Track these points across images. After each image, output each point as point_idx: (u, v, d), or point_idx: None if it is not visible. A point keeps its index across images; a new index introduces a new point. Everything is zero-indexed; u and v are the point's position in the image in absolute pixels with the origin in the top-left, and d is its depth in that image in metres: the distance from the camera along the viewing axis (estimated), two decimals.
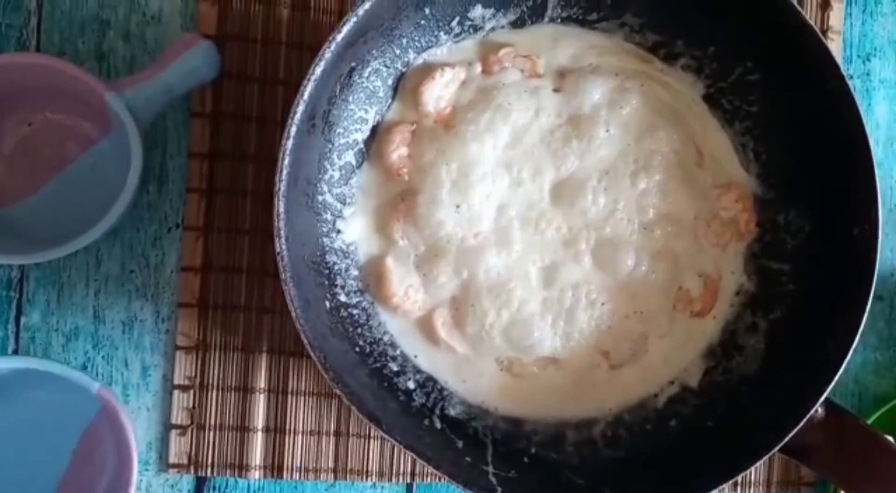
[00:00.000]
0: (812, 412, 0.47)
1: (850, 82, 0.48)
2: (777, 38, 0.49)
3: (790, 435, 0.47)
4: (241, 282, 0.55)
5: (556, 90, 0.53)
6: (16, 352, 0.54)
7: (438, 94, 0.52)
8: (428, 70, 0.52)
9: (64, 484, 0.52)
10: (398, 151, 0.52)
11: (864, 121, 0.48)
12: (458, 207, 0.51)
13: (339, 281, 0.51)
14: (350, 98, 0.50)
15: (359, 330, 0.51)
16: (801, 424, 0.47)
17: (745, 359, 0.53)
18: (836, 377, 0.47)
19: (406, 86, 0.53)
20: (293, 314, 0.44)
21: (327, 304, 0.49)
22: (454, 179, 0.52)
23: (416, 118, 0.53)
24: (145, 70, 0.51)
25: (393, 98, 0.53)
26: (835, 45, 0.62)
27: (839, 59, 0.62)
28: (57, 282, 0.55)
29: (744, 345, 0.53)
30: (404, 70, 0.53)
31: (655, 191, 0.53)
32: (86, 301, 0.55)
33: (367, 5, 0.44)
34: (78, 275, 0.55)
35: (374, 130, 0.53)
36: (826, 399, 0.47)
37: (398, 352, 0.52)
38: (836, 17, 0.62)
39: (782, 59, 0.50)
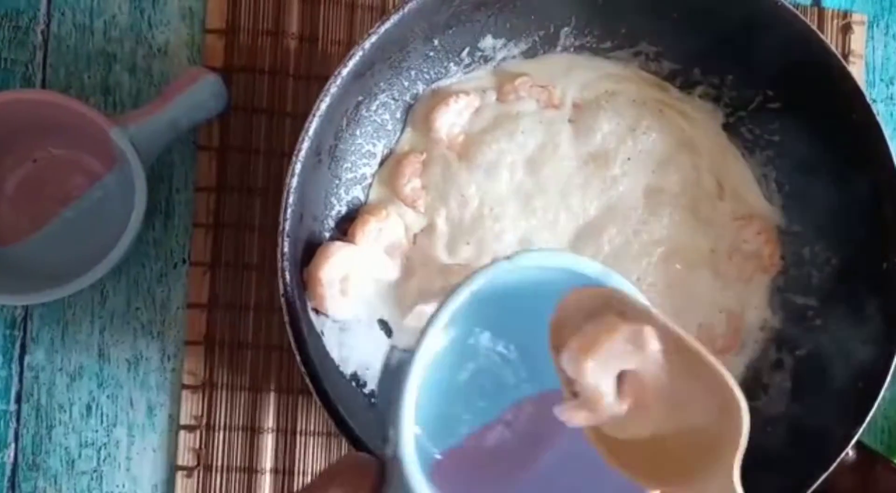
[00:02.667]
0: (843, 455, 0.45)
1: (873, 107, 0.46)
2: (798, 66, 0.48)
3: (820, 480, 0.44)
4: (248, 319, 0.54)
5: (571, 121, 0.52)
6: (19, 393, 0.53)
7: (452, 121, 0.51)
8: (441, 96, 0.51)
9: None
10: (411, 184, 0.51)
11: (891, 147, 0.46)
12: (467, 243, 0.50)
13: None
14: (357, 132, 0.49)
15: (369, 371, 0.49)
16: (832, 468, 0.44)
17: (771, 399, 0.51)
18: (868, 419, 0.45)
19: (417, 112, 0.52)
20: (297, 359, 0.42)
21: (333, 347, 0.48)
22: (468, 211, 0.50)
23: (426, 147, 0.51)
24: (150, 104, 0.50)
25: (402, 129, 0.52)
26: (857, 70, 0.60)
27: (862, 84, 0.60)
28: (61, 320, 0.54)
29: (769, 384, 0.51)
30: (413, 103, 0.52)
31: (675, 225, 0.51)
32: (90, 339, 0.54)
33: (373, 38, 0.43)
34: (83, 312, 0.54)
35: (383, 163, 0.52)
36: (857, 441, 0.45)
37: None
38: (857, 40, 0.60)
39: (804, 88, 0.48)
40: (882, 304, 0.46)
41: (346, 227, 0.50)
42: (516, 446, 0.37)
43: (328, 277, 0.45)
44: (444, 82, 0.52)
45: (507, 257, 0.33)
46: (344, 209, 0.50)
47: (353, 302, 0.48)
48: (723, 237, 0.52)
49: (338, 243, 0.47)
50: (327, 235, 0.49)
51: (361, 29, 0.56)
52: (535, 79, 0.52)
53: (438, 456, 0.36)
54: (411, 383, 0.32)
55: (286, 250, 0.42)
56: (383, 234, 0.49)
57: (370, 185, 0.51)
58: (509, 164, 0.51)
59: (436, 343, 0.34)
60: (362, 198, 0.51)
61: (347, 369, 0.48)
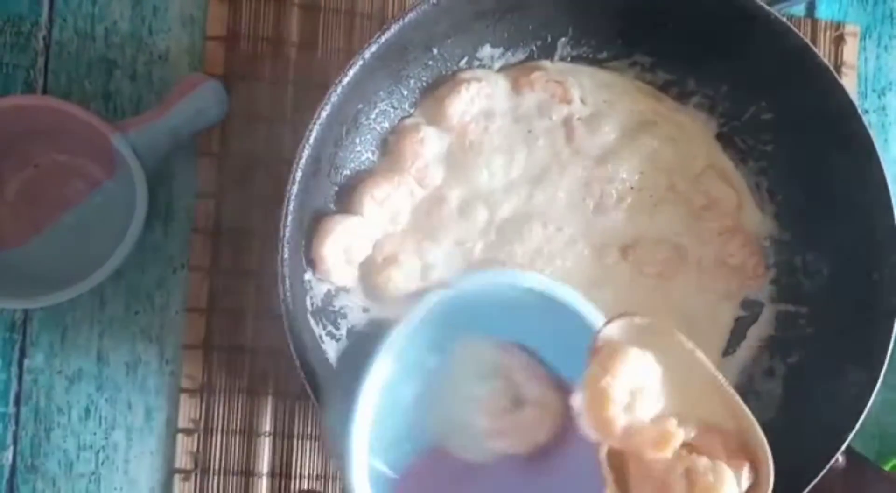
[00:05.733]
0: (832, 461, 0.45)
1: (865, 118, 0.47)
2: (791, 77, 0.48)
3: (809, 486, 0.45)
4: (246, 323, 0.54)
5: (579, 119, 0.52)
6: (18, 395, 0.53)
7: (463, 109, 0.51)
8: (453, 84, 0.51)
9: None
10: (416, 164, 0.51)
11: (882, 159, 0.47)
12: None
13: (346, 325, 0.50)
14: (357, 140, 0.50)
15: None
16: (822, 474, 0.45)
17: (763, 405, 0.51)
18: (858, 425, 0.45)
19: (427, 99, 0.52)
20: (296, 364, 0.43)
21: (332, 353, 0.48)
22: (470, 201, 0.51)
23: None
24: (151, 111, 0.51)
25: None
26: (849, 80, 0.61)
27: (854, 95, 0.61)
28: (60, 324, 0.54)
29: (761, 390, 0.52)
30: (412, 111, 0.52)
31: (664, 235, 0.52)
32: (89, 343, 0.54)
33: (373, 47, 0.44)
34: (82, 316, 0.54)
35: None
36: (847, 448, 0.46)
37: None
38: (850, 51, 0.61)
39: (797, 99, 0.49)
40: (872, 313, 0.46)
41: None
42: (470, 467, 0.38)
43: (331, 251, 0.47)
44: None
45: (447, 285, 0.36)
46: None
47: (357, 268, 0.50)
48: (709, 251, 0.53)
49: (336, 218, 0.48)
50: None
51: (360, 37, 0.56)
52: (552, 75, 0.52)
53: (395, 477, 0.36)
54: (360, 416, 0.33)
55: (286, 256, 0.43)
56: (388, 202, 0.50)
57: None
58: (514, 157, 0.52)
59: (383, 375, 0.35)
60: None
61: None
